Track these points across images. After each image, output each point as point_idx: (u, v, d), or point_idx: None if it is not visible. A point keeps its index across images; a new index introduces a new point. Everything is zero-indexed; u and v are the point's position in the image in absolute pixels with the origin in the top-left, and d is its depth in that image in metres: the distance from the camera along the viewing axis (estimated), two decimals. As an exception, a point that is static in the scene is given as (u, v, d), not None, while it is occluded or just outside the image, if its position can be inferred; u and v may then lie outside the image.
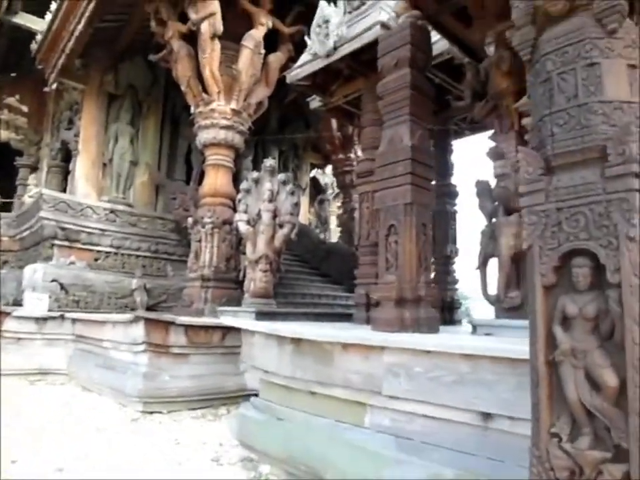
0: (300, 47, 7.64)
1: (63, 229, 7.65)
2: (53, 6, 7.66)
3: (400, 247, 3.33)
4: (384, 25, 5.06)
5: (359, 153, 9.15)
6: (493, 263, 3.59)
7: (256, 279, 6.08)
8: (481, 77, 3.59)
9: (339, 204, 11.68)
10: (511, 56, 3.34)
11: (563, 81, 1.51)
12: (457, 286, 6.77)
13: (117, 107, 9.03)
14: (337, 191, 10.81)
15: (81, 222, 7.86)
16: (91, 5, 6.93)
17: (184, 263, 8.93)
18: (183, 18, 7.09)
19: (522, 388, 2.00)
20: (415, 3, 3.69)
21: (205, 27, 6.44)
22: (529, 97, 1.72)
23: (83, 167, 8.56)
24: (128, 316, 5.29)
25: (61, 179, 10.07)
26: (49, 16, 7.73)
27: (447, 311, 6.55)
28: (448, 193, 6.81)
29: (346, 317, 6.51)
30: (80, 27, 7.25)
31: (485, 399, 2.18)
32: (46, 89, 10.46)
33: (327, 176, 13.82)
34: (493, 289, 3.55)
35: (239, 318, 5.70)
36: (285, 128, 11.21)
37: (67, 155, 10.19)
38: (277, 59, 7.35)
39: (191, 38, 7.09)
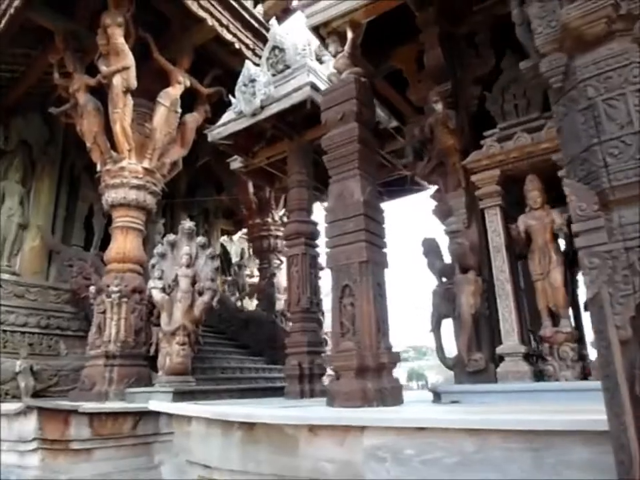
0: (217, 109, 7.47)
1: None
2: None
3: (357, 310, 3.04)
4: (314, 86, 5.05)
5: (277, 217, 8.98)
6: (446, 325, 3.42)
7: (172, 353, 5.41)
8: (425, 133, 3.57)
9: (250, 271, 11.24)
10: (455, 115, 3.35)
11: (611, 107, 1.39)
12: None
13: (5, 164, 8.04)
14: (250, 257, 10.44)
15: (-47, 294, 6.64)
16: (-17, 52, 6.23)
17: (80, 339, 7.87)
18: (90, 70, 6.63)
19: (539, 466, 1.71)
20: (354, 62, 3.65)
21: (117, 81, 6.02)
22: (558, 130, 1.58)
23: (-42, 230, 7.38)
24: (14, 406, 4.33)
25: None
26: None
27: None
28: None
29: (273, 391, 5.97)
30: (-33, 74, 6.46)
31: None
32: None
33: (233, 243, 13.39)
34: (449, 352, 3.35)
35: (155, 400, 4.94)
36: (195, 192, 10.76)
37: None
38: (193, 119, 7.06)
39: (99, 92, 6.62)
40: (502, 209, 3.20)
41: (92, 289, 6.28)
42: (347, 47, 3.69)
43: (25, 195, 8.12)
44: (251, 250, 10.44)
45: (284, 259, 9.48)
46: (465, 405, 2.63)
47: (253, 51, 6.73)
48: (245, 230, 11.81)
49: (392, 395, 2.98)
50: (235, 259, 13.21)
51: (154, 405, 3.95)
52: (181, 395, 5.00)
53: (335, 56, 3.74)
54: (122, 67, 5.99)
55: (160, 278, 5.67)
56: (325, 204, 7.01)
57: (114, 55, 6.00)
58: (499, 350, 2.96)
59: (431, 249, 3.52)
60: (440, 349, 3.33)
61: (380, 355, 3.02)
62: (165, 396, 5.00)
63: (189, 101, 7.09)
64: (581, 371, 2.91)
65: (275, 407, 3.30)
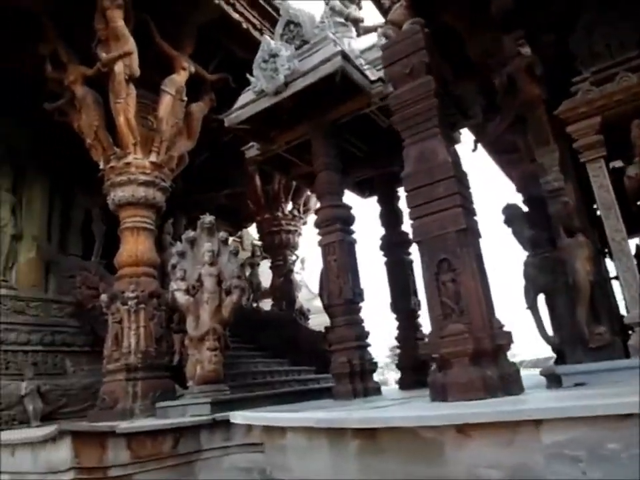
0: (222, 97, 6.98)
1: None
2: None
3: (461, 286, 2.60)
4: (345, 56, 4.62)
5: (287, 210, 8.51)
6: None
7: (203, 360, 4.90)
8: (502, 85, 3.16)
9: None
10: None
11: None
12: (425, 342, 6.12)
13: (-8, 172, 7.43)
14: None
15: (-53, 314, 6.01)
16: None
17: (87, 354, 7.31)
18: (86, 61, 6.09)
19: None
20: (413, 12, 3.22)
21: (119, 68, 5.50)
22: None
23: (-53, 244, 6.75)
24: (43, 431, 3.78)
25: None
26: None
27: (420, 371, 5.84)
28: (401, 242, 6.32)
29: (314, 394, 5.51)
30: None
31: None
32: None
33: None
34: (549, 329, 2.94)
35: (189, 413, 4.45)
36: (192, 192, 10.21)
37: None
38: (199, 108, 6.56)
39: (97, 84, 6.08)
40: (606, 161, 2.82)
41: (103, 297, 5.73)
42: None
43: (17, 203, 7.52)
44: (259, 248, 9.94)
45: (299, 254, 9.08)
46: (603, 387, 2.22)
47: (260, 31, 6.27)
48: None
49: (515, 382, 2.56)
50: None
51: (238, 416, 3.34)
52: (218, 405, 4.52)
53: (389, 8, 3.32)
54: (124, 53, 5.48)
55: (182, 279, 5.16)
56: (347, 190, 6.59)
57: (114, 40, 5.48)
58: (628, 319, 2.55)
59: (515, 215, 3.12)
60: (541, 327, 2.92)
61: (496, 336, 2.59)
62: (202, 407, 4.51)
63: (190, 89, 6.58)
64: None
65: (364, 408, 2.85)
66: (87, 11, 5.91)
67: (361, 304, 4.98)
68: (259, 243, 8.74)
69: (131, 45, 5.50)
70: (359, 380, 4.58)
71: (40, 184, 7.83)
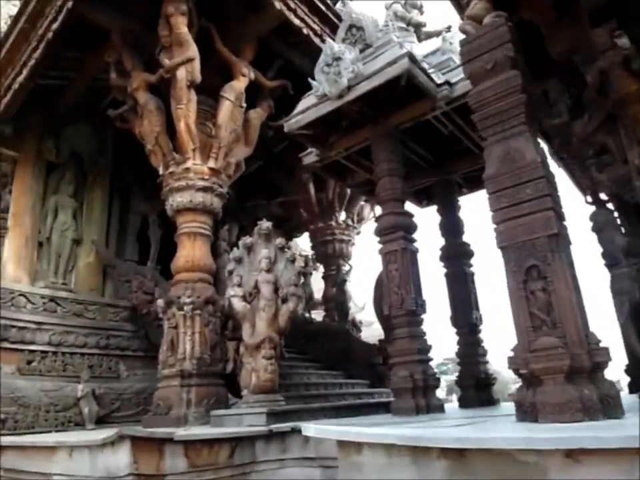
0: (280, 104, 6.95)
1: (-14, 323, 5.93)
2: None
3: (553, 296, 2.37)
4: (411, 58, 4.46)
5: (340, 219, 8.38)
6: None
7: (259, 369, 4.77)
8: (594, 80, 2.91)
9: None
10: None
11: None
12: (487, 358, 5.81)
13: (56, 178, 7.67)
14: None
15: (11, 314, 6.17)
16: (37, 53, 5.84)
17: (140, 359, 7.37)
18: (149, 68, 6.20)
19: None
20: (494, 5, 3.03)
21: (181, 74, 5.54)
22: None
23: (13, 246, 6.96)
24: (100, 435, 3.74)
25: (-21, 267, 8.24)
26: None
27: (482, 390, 5.54)
28: (462, 253, 6.05)
29: (371, 409, 5.30)
30: (20, 78, 6.08)
31: None
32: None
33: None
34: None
35: (245, 423, 4.33)
36: (244, 201, 10.25)
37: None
38: (257, 115, 6.54)
39: (158, 90, 6.18)
40: None
41: (160, 302, 5.72)
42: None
43: (78, 208, 7.72)
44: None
45: (351, 262, 8.89)
46: None
47: (320, 37, 6.20)
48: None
49: (615, 404, 2.29)
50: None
51: (310, 429, 3.16)
52: (274, 416, 4.38)
53: (467, 4, 3.15)
54: (186, 59, 5.52)
55: (239, 285, 5.08)
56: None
57: (177, 45, 5.54)
58: None
59: (606, 222, 2.85)
60: (636, 344, 2.63)
61: (594, 352, 2.33)
62: (258, 418, 4.38)
63: (248, 96, 6.57)
64: None
65: (445, 426, 2.63)
66: (151, 20, 6.06)
67: (423, 316, 4.74)
68: (311, 252, 8.63)
69: (193, 51, 5.54)
70: (421, 395, 4.35)
71: (100, 189, 8.02)
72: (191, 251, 5.80)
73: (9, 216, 7.28)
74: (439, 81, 4.83)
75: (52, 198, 7.48)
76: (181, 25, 5.48)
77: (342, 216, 8.27)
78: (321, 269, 8.39)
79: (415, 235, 4.99)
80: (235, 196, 10.11)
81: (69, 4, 5.37)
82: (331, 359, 7.21)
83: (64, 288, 7.09)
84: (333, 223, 8.09)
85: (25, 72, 6.05)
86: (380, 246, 4.96)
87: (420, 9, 5.86)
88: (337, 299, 7.60)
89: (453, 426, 2.69)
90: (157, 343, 7.14)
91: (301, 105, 5.21)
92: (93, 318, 6.98)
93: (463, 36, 3.33)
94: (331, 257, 7.94)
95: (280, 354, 5.08)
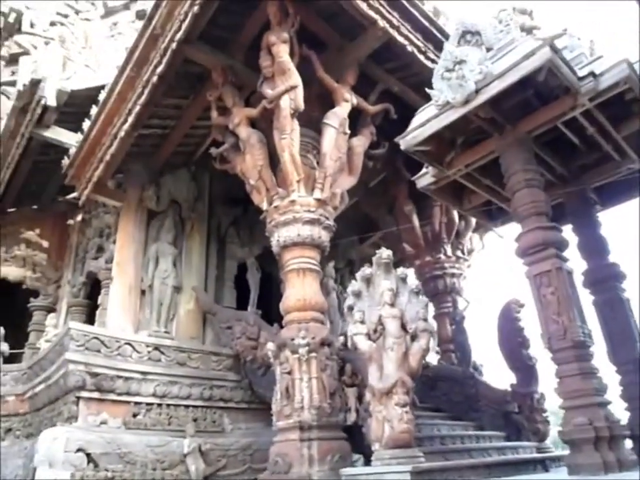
0: (380, 131, 6.58)
1: (95, 374, 5.72)
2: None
3: None
4: (553, 47, 3.89)
5: (449, 251, 7.69)
6: None
7: (392, 418, 4.10)
8: None
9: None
10: None
11: None
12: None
13: (156, 226, 7.66)
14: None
15: (118, 364, 5.95)
16: (142, 99, 5.89)
17: (244, 411, 6.91)
18: (248, 105, 6.09)
19: None
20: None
21: (284, 102, 5.31)
22: None
23: (117, 295, 6.91)
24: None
25: (84, 319, 8.30)
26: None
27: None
28: (613, 276, 5.15)
29: (527, 466, 4.41)
30: (126, 126, 6.15)
31: None
32: (70, 221, 9.36)
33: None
34: None
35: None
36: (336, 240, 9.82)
37: (92, 291, 8.62)
38: (360, 142, 6.18)
39: (257, 126, 6.02)
40: None
41: (270, 345, 5.26)
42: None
43: (177, 256, 7.61)
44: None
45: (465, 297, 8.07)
46: None
47: (424, 54, 5.82)
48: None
49: None
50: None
51: None
52: (418, 475, 3.66)
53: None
54: (290, 87, 5.30)
55: (362, 322, 4.51)
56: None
57: (280, 74, 5.35)
58: None
59: None
60: None
61: None
62: (399, 477, 3.68)
63: (349, 124, 6.23)
64: None
65: None
66: (250, 56, 5.99)
67: (592, 348, 3.90)
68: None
69: (296, 78, 5.32)
70: (608, 448, 3.46)
71: (198, 236, 7.93)
72: (301, 289, 5.34)
73: (113, 265, 7.31)
74: (580, 74, 4.20)
75: (153, 246, 7.44)
76: (284, 53, 5.30)
77: (449, 248, 7.58)
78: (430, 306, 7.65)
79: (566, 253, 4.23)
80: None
81: (173, 45, 5.37)
82: (456, 408, 6.33)
83: (166, 336, 6.86)
84: (442, 256, 7.41)
85: (130, 119, 6.11)
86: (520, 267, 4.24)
87: (530, 15, 5.37)
88: (455, 339, 6.80)
89: None
90: (260, 393, 6.68)
91: (418, 119, 4.74)
92: (197, 367, 6.63)
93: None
94: (442, 292, 7.21)
95: (412, 401, 4.39)
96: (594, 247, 5.30)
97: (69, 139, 7.36)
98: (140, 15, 10.23)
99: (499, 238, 7.76)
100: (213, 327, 7.39)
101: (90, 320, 8.07)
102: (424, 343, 4.42)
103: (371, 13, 5.27)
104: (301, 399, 4.75)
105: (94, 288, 8.54)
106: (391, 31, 5.46)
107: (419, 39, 5.75)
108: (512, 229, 7.21)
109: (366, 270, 4.78)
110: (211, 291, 7.87)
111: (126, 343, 6.13)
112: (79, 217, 9.18)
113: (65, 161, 7.11)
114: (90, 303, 8.61)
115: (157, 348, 6.38)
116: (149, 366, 6.20)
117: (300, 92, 5.35)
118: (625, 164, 5.23)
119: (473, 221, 7.77)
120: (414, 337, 4.45)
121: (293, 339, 4.99)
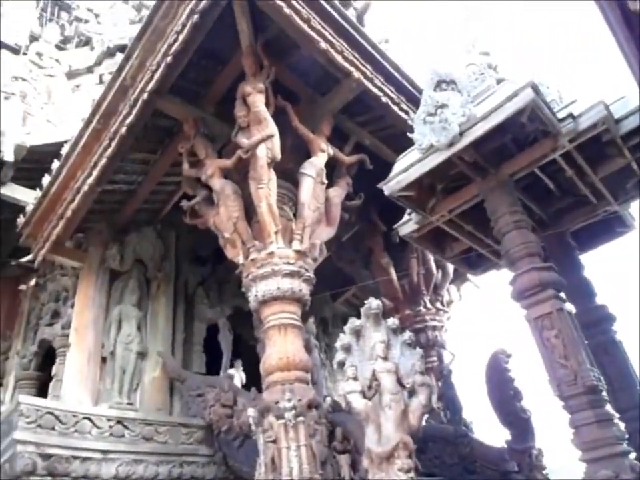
0: (356, 181, 6.50)
1: (47, 456, 4.99)
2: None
3: None
4: (534, 87, 3.94)
5: (429, 303, 7.49)
6: None
7: (395, 487, 3.67)
8: None
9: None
10: None
11: None
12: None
13: (119, 287, 7.15)
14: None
15: (74, 442, 5.24)
16: (109, 152, 5.62)
17: (216, 490, 6.19)
18: (220, 156, 5.92)
19: None
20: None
21: (261, 152, 5.16)
22: None
23: (75, 364, 6.26)
24: None
25: (34, 394, 7.45)
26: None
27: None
28: (603, 318, 5.05)
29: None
30: (90, 180, 5.82)
31: None
32: (22, 287, 8.65)
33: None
34: None
35: None
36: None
37: (43, 362, 7.84)
38: (337, 193, 6.05)
39: (230, 177, 5.83)
40: None
41: (251, 411, 4.76)
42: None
43: (142, 318, 7.08)
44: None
45: (450, 351, 7.78)
46: None
47: (398, 105, 5.88)
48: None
49: None
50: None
51: None
52: None
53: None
54: (266, 136, 5.17)
55: (355, 378, 4.15)
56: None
57: (256, 124, 5.23)
58: None
59: None
60: None
61: None
62: None
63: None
64: None
65: None
66: (222, 108, 5.90)
67: (604, 392, 3.68)
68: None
69: (272, 127, 5.22)
70: (638, 506, 3.16)
71: (164, 297, 7.44)
72: (283, 346, 4.95)
73: (70, 331, 6.69)
74: (560, 116, 4.26)
75: (115, 308, 6.90)
76: (259, 103, 5.21)
77: (428, 300, 7.39)
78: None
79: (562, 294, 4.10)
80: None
81: (144, 95, 5.21)
82: (450, 471, 5.87)
83: (130, 408, 6.21)
84: (422, 309, 7.19)
85: (95, 173, 5.81)
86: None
87: (495, 69, 5.56)
88: (444, 395, 6.46)
89: None
90: (237, 467, 6.03)
91: (400, 164, 4.66)
92: (164, 442, 5.95)
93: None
94: (426, 346, 6.92)
95: (415, 465, 3.99)
96: (580, 290, 5.22)
97: (26, 196, 6.92)
98: (103, 79, 10.19)
99: (476, 288, 7.66)
100: (181, 395, 6.76)
101: (42, 394, 7.24)
102: (423, 398, 4.10)
103: (346, 65, 5.31)
104: (289, 471, 4.24)
105: (46, 359, 7.79)
106: (366, 82, 5.50)
107: (392, 91, 5.82)
108: (488, 279, 7.17)
109: (355, 322, 4.47)
110: (179, 355, 7.30)
111: (84, 418, 5.45)
112: (33, 281, 8.51)
113: (21, 219, 6.62)
114: (41, 375, 7.80)
115: (119, 422, 5.70)
116: (111, 443, 5.51)
117: (277, 141, 5.23)
118: (601, 206, 5.28)
119: (451, 271, 7.68)
120: (412, 392, 4.12)
121: (277, 402, 4.54)
